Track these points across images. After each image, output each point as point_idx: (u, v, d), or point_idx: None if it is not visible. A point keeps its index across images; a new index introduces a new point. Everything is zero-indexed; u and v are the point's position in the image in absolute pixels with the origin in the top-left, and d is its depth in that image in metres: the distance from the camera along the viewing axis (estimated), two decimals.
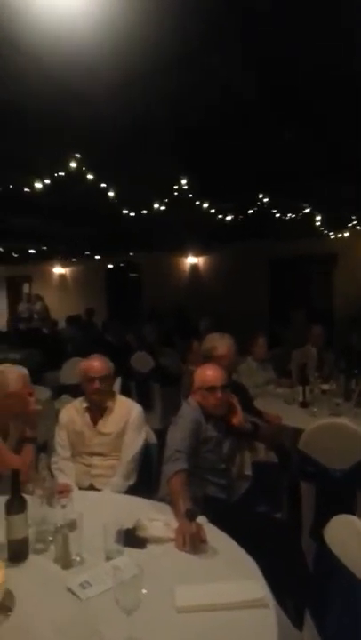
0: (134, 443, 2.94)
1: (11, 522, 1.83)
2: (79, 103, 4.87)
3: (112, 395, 3.06)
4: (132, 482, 2.85)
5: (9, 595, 1.61)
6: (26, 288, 16.73)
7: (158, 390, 6.71)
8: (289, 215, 8.23)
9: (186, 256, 13.18)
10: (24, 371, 2.67)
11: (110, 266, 14.76)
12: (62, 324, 11.45)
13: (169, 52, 4.13)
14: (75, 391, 4.75)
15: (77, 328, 10.43)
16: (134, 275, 14.55)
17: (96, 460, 2.94)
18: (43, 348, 8.51)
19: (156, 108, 4.94)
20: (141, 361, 7.48)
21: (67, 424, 3.01)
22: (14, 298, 16.68)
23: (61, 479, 2.69)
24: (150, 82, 4.55)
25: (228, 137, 5.48)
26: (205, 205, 7.09)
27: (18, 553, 1.83)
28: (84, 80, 4.51)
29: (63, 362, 7.06)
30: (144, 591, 1.44)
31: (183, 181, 6.24)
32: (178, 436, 2.57)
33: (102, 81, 4.50)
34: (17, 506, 1.83)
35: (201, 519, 2.07)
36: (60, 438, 3.00)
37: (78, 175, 5.58)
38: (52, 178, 5.86)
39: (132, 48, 4.05)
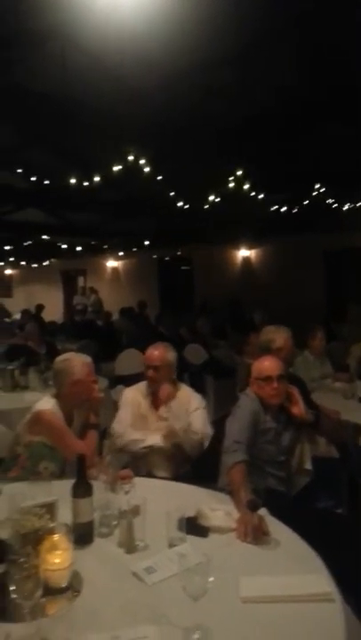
0: (206, 427, 2.97)
1: (77, 505, 1.88)
2: (137, 98, 4.91)
3: (174, 383, 3.09)
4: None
5: (77, 576, 1.66)
6: (80, 281, 17.11)
7: (211, 382, 6.71)
8: (347, 205, 8.01)
9: (238, 249, 13.08)
10: (88, 359, 2.73)
11: (162, 259, 14.85)
12: (116, 317, 11.64)
13: (227, 45, 4.11)
14: (130, 382, 4.82)
15: (130, 320, 10.57)
16: (186, 268, 14.58)
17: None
18: (97, 339, 8.69)
19: (213, 102, 4.92)
20: (195, 353, 7.51)
21: (131, 403, 3.09)
22: (69, 291, 17.11)
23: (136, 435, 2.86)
24: (207, 76, 4.54)
25: (284, 128, 5.39)
26: (260, 196, 7.00)
27: (84, 536, 1.88)
28: (142, 75, 4.55)
29: (117, 353, 7.18)
30: (211, 579, 1.45)
31: (238, 173, 6.19)
32: (236, 426, 2.57)
33: (159, 76, 4.53)
34: (83, 490, 1.88)
35: (262, 511, 2.05)
36: (125, 414, 3.05)
37: (135, 169, 5.64)
38: (108, 172, 5.95)
39: (191, 43, 4.04)
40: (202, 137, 5.48)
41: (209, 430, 3.01)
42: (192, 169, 6.02)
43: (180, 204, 7.07)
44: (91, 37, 4.22)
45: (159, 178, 5.81)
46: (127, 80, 4.72)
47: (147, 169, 5.56)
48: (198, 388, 6.47)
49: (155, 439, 2.93)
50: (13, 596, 1.42)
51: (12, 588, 1.41)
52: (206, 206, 7.08)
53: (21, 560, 1.48)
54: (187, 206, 7.15)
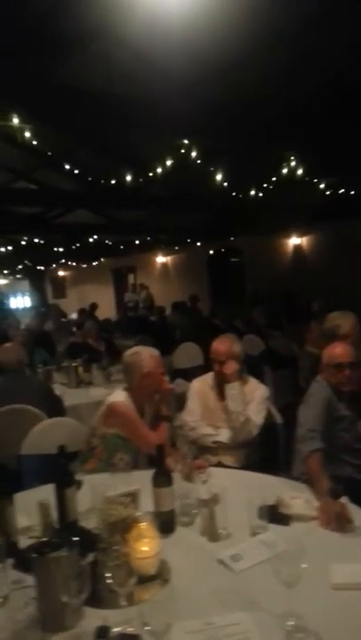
0: (258, 417, 2.94)
1: (159, 494, 1.90)
2: (185, 91, 4.88)
3: (241, 376, 3.07)
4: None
5: (164, 564, 1.67)
6: (131, 278, 17.31)
7: (270, 373, 6.63)
8: None
9: (289, 237, 12.86)
10: (156, 352, 2.75)
11: (211, 252, 14.80)
12: (168, 312, 11.72)
13: (279, 31, 4.02)
14: (189, 374, 4.82)
15: (183, 314, 10.61)
16: (236, 259, 14.47)
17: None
18: (152, 334, 8.77)
19: (264, 88, 4.83)
20: (251, 344, 7.44)
21: (198, 392, 3.10)
22: (120, 288, 17.36)
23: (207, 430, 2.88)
24: (257, 63, 4.46)
25: (336, 111, 5.23)
26: (314, 180, 6.83)
27: (166, 525, 1.89)
28: (190, 68, 4.52)
29: (172, 347, 7.22)
30: (304, 566, 1.43)
31: (291, 158, 6.07)
32: (310, 414, 2.53)
33: (208, 66, 4.48)
34: (164, 479, 1.89)
35: (343, 499, 2.00)
36: (194, 405, 3.06)
37: (185, 162, 5.62)
38: (158, 168, 5.96)
39: (239, 31, 3.98)
40: (253, 123, 5.39)
41: (260, 421, 2.96)
42: (244, 157, 5.94)
43: (233, 193, 6.97)
44: (136, 32, 4.22)
45: (211, 169, 5.76)
46: (175, 73, 4.70)
47: (198, 161, 5.53)
48: (257, 379, 6.41)
49: (225, 435, 2.92)
50: (108, 582, 1.44)
51: (106, 575, 1.43)
52: (259, 194, 6.96)
53: (113, 548, 1.51)
54: (240, 195, 7.03)
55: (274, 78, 4.57)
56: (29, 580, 1.53)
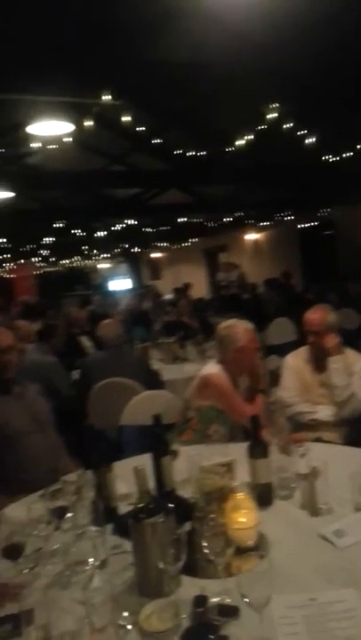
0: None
1: (255, 466, 1.84)
2: (272, 57, 4.66)
3: (341, 349, 2.92)
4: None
5: (262, 537, 1.62)
6: (222, 257, 17.22)
7: None
8: None
9: None
10: (250, 325, 2.68)
11: (303, 226, 14.26)
12: (261, 288, 11.53)
13: None
14: (283, 350, 4.69)
15: (275, 290, 10.40)
16: (328, 232, 13.84)
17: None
18: (244, 311, 8.67)
19: (353, 42, 4.50)
20: (347, 318, 7.12)
21: (293, 367, 3.01)
22: (212, 268, 17.35)
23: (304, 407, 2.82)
24: (340, 23, 4.16)
25: None
26: None
27: (263, 497, 1.84)
28: (275, 33, 4.29)
29: (265, 324, 7.09)
30: None
31: None
32: None
33: (294, 29, 4.23)
34: (260, 450, 1.84)
35: None
36: (289, 380, 2.98)
37: (276, 127, 5.38)
38: (249, 137, 5.78)
39: None
40: (343, 84, 5.05)
41: None
42: (334, 121, 5.60)
43: (324, 158, 6.56)
44: (217, 4, 4.09)
45: (300, 133, 5.46)
46: (259, 41, 4.50)
47: (285, 125, 5.26)
48: None
49: (324, 413, 2.80)
50: (205, 552, 1.42)
51: (203, 544, 1.41)
52: (353, 161, 6.52)
53: (209, 517, 1.48)
54: (331, 161, 6.62)
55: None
56: (128, 545, 1.55)
